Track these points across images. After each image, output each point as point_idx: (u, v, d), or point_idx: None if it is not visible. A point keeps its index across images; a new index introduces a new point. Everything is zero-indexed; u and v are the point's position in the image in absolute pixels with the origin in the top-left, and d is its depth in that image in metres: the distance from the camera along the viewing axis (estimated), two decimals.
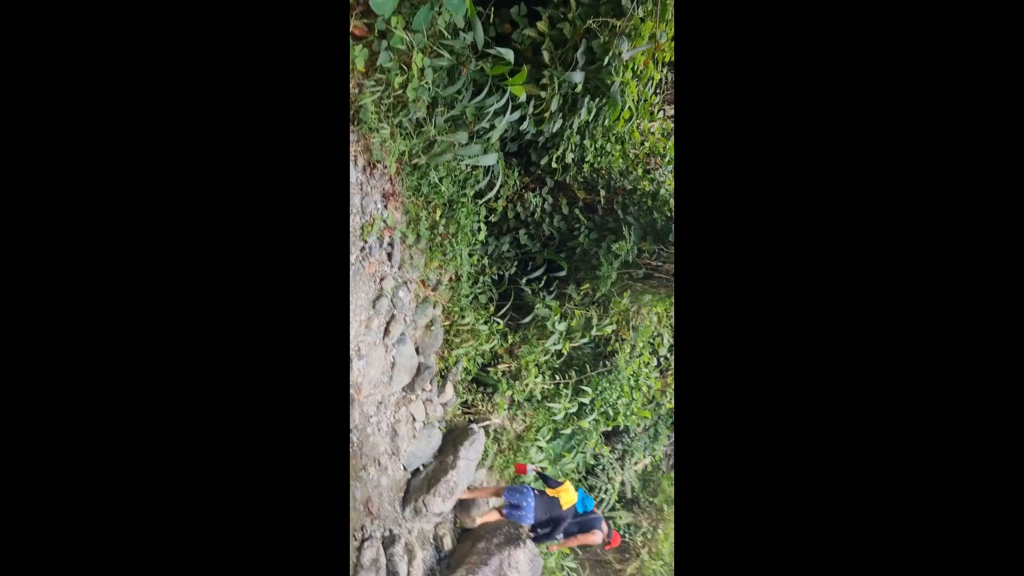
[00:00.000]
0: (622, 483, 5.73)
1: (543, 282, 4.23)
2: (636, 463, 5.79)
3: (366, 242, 2.72)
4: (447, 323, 3.90)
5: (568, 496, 3.82)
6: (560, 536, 3.89)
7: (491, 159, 2.74)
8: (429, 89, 2.45)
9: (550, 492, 3.85)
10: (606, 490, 5.65)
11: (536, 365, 4.54)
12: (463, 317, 3.94)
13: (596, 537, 3.86)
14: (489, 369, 4.39)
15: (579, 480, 5.50)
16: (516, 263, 4.14)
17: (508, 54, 2.45)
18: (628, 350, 4.84)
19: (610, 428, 5.13)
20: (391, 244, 2.94)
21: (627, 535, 5.91)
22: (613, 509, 5.69)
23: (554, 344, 4.49)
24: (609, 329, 4.65)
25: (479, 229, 3.46)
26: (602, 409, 4.92)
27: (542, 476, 4.05)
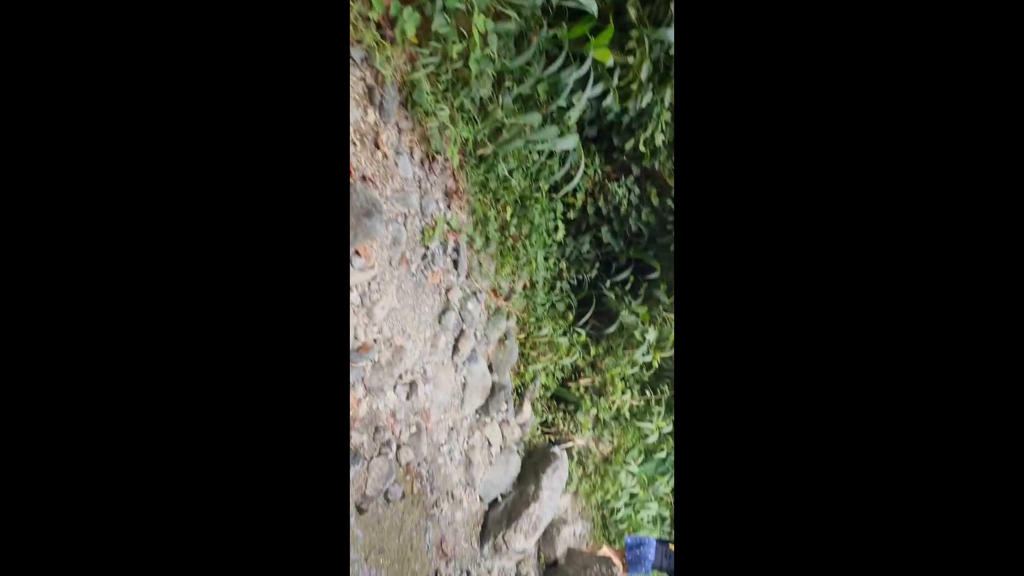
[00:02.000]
0: None
1: (629, 285, 3.67)
2: None
3: (427, 248, 2.31)
4: (522, 336, 3.44)
5: None
6: None
7: (570, 143, 2.24)
8: (494, 60, 2.01)
9: (671, 545, 3.61)
10: None
11: (622, 379, 3.95)
12: (540, 328, 3.47)
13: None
14: (570, 385, 3.88)
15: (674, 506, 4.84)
16: (598, 265, 3.60)
17: (591, 5, 1.95)
18: None
19: None
20: (456, 250, 2.52)
21: None
22: None
23: (643, 355, 3.89)
24: None
25: (556, 228, 2.97)
26: None
27: (660, 541, 3.75)
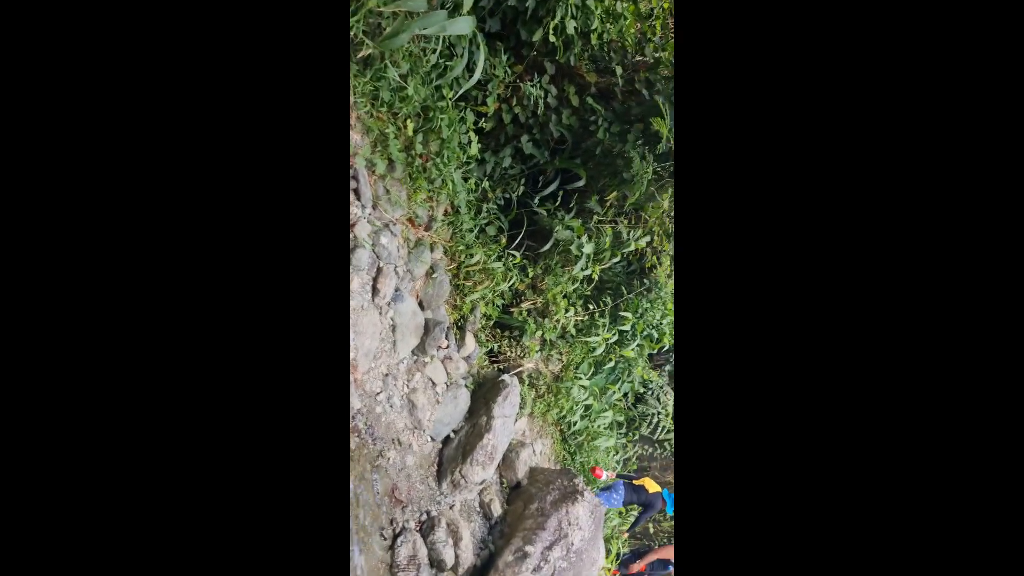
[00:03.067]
0: (675, 404, 5.18)
1: (559, 199, 3.43)
2: None
3: None
4: (452, 267, 3.17)
5: (651, 485, 3.99)
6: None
7: (464, 26, 1.87)
8: None
9: (636, 482, 4.03)
10: (658, 413, 5.12)
11: (564, 296, 3.82)
12: (471, 256, 3.21)
13: (670, 551, 4.14)
14: (512, 310, 3.71)
15: (628, 410, 4.97)
16: (523, 180, 3.32)
17: None
18: (667, 261, 4.07)
19: (656, 351, 4.48)
20: (355, 177, 2.16)
21: None
22: (668, 432, 5.19)
23: (582, 270, 3.75)
24: (643, 242, 3.88)
25: (469, 141, 2.64)
26: (645, 333, 4.24)
27: (622, 476, 4.16)
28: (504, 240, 3.47)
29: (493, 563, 2.87)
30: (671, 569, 4.36)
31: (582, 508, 3.27)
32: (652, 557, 4.13)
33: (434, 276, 2.87)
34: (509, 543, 2.97)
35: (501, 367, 3.73)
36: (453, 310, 3.32)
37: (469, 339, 3.40)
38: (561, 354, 3.99)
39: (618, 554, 4.17)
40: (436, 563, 2.63)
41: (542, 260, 3.77)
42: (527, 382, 3.86)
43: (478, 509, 3.22)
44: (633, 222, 3.83)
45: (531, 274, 3.65)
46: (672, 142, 2.68)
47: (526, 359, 3.81)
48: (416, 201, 2.60)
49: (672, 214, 3.63)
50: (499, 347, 3.70)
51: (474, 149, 2.61)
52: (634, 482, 4.04)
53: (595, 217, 3.73)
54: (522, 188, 3.26)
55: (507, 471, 3.54)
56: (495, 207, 3.28)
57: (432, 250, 2.87)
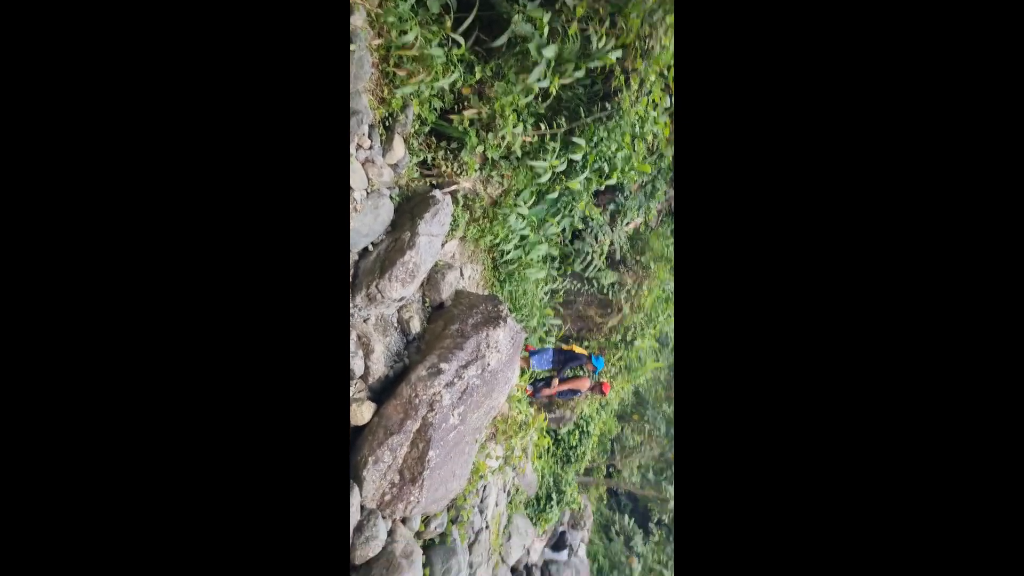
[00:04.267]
0: (610, 244, 5.09)
1: None
2: (628, 224, 5.04)
3: None
4: (379, 44, 2.50)
5: (578, 349, 4.41)
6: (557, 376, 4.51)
7: None
8: None
9: (564, 347, 4.44)
10: (592, 252, 5.04)
11: (514, 110, 3.28)
12: (403, 33, 2.53)
13: (585, 383, 4.48)
14: (452, 117, 3.15)
15: (564, 245, 4.83)
16: None
17: None
18: (636, 86, 3.54)
19: (603, 187, 4.18)
20: None
21: (611, 293, 5.58)
22: (599, 270, 5.19)
23: (538, 80, 3.16)
24: (614, 56, 3.27)
25: None
26: (596, 165, 3.87)
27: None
28: (449, 23, 2.76)
29: (406, 376, 2.83)
30: (580, 395, 4.73)
31: (503, 333, 3.22)
32: (564, 387, 4.39)
33: (352, 48, 2.23)
34: (424, 359, 2.91)
35: (434, 182, 3.30)
36: (380, 104, 2.73)
37: (398, 143, 2.89)
38: (503, 177, 3.58)
39: (532, 376, 4.38)
40: None
41: (493, 59, 3.11)
42: (461, 203, 3.50)
43: (396, 325, 3.09)
44: (608, 28, 3.17)
45: (478, 75, 3.03)
46: None
47: (463, 177, 3.39)
48: None
49: (653, 20, 3.00)
50: (433, 158, 3.22)
51: None
52: (563, 347, 4.44)
53: (564, 13, 3.03)
54: None
55: (431, 291, 3.37)
56: None
57: (352, 11, 2.18)
